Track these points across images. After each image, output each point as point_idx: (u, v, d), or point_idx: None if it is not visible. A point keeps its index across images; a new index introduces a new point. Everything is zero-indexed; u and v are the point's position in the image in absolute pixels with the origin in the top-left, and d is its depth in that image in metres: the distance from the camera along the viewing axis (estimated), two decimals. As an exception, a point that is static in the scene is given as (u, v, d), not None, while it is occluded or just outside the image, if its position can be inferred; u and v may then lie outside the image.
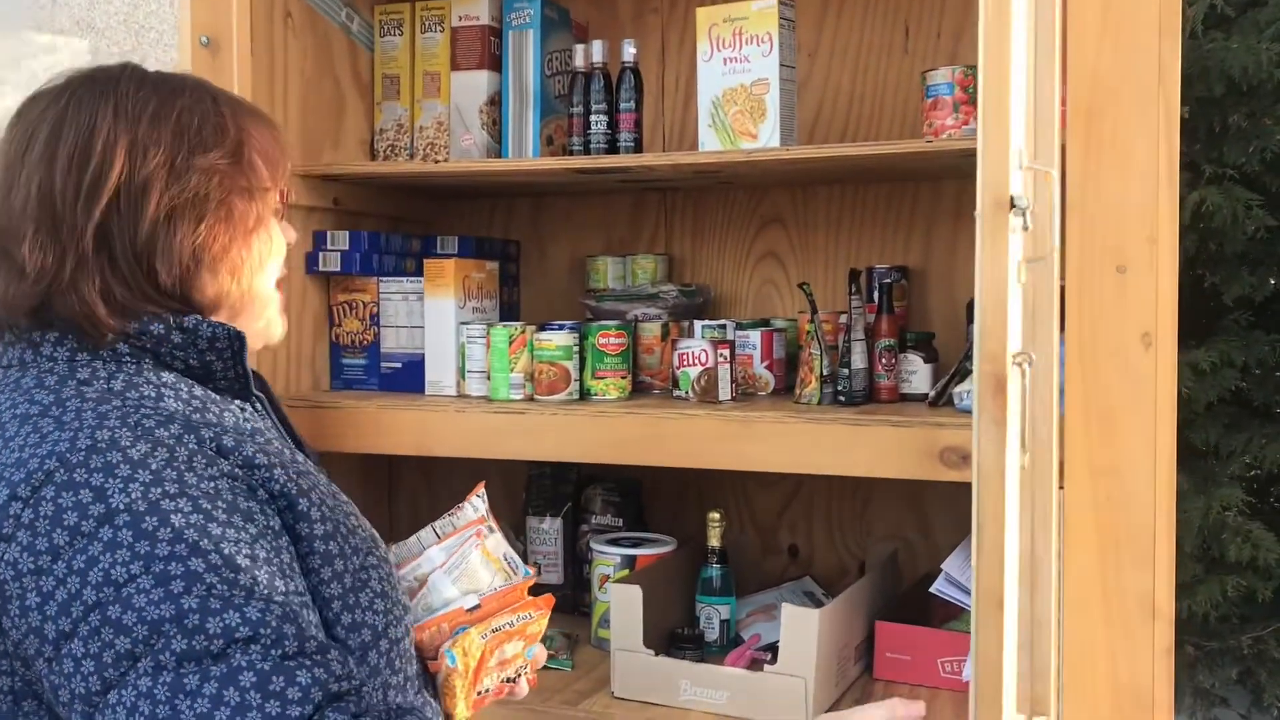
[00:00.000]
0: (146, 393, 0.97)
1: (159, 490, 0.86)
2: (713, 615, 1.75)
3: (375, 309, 1.88)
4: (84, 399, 0.93)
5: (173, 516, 0.85)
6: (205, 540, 0.85)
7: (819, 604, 1.79)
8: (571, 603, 1.96)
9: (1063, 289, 1.34)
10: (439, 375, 1.81)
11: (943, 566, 1.59)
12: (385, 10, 1.97)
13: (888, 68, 1.91)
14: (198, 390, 1.02)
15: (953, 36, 1.87)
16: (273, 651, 0.83)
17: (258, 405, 1.12)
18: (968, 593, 1.48)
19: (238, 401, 1.07)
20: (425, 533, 1.13)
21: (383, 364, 1.88)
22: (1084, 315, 1.30)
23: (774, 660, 1.55)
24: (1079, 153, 1.30)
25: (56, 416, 0.91)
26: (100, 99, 1.01)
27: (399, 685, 0.99)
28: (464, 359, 1.78)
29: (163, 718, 0.79)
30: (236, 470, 0.93)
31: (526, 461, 2.02)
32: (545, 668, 1.69)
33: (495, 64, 1.91)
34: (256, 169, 1.07)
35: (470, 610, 1.10)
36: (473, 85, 1.91)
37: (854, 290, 1.64)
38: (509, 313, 2.04)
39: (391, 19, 1.97)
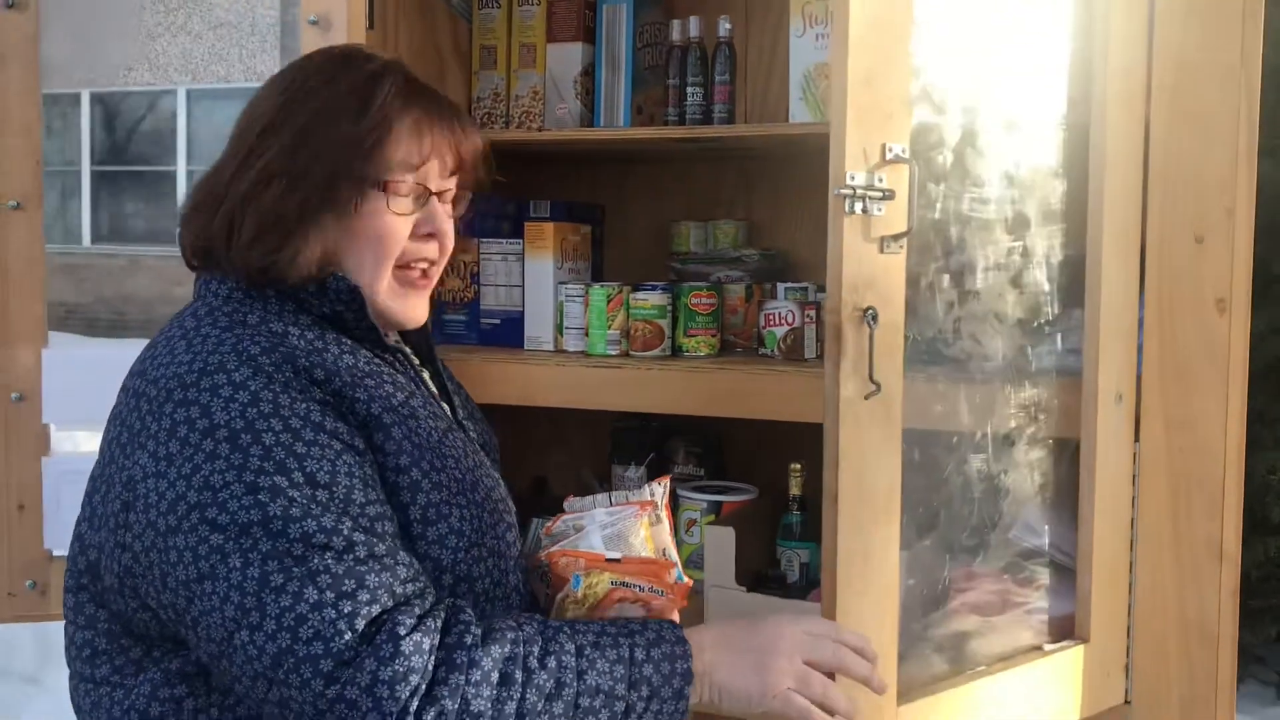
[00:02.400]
0: (275, 328, 1.08)
1: (255, 410, 0.98)
2: (793, 559, 1.87)
3: (476, 268, 1.99)
4: (216, 327, 1.06)
5: (264, 435, 0.97)
6: (290, 458, 0.96)
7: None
8: (654, 547, 2.09)
9: (1143, 254, 1.44)
10: (538, 331, 1.93)
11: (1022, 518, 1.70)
12: (484, -17, 2.07)
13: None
14: (329, 334, 1.12)
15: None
16: (345, 557, 0.94)
17: (399, 357, 1.21)
18: (1044, 538, 1.59)
19: (370, 350, 1.16)
20: (601, 496, 1.22)
21: (482, 320, 1.99)
22: (1163, 280, 1.40)
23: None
24: (1162, 127, 1.40)
25: (189, 342, 1.05)
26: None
27: None
28: (562, 316, 1.90)
29: (250, 607, 0.92)
30: (327, 398, 1.03)
31: (611, 414, 2.13)
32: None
33: (589, 36, 2.00)
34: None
35: (610, 560, 1.15)
36: (568, 56, 2.01)
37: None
38: (595, 274, 2.15)
39: (489, -8, 2.07)
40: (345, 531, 0.95)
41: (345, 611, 0.91)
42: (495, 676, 0.94)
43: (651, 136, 1.82)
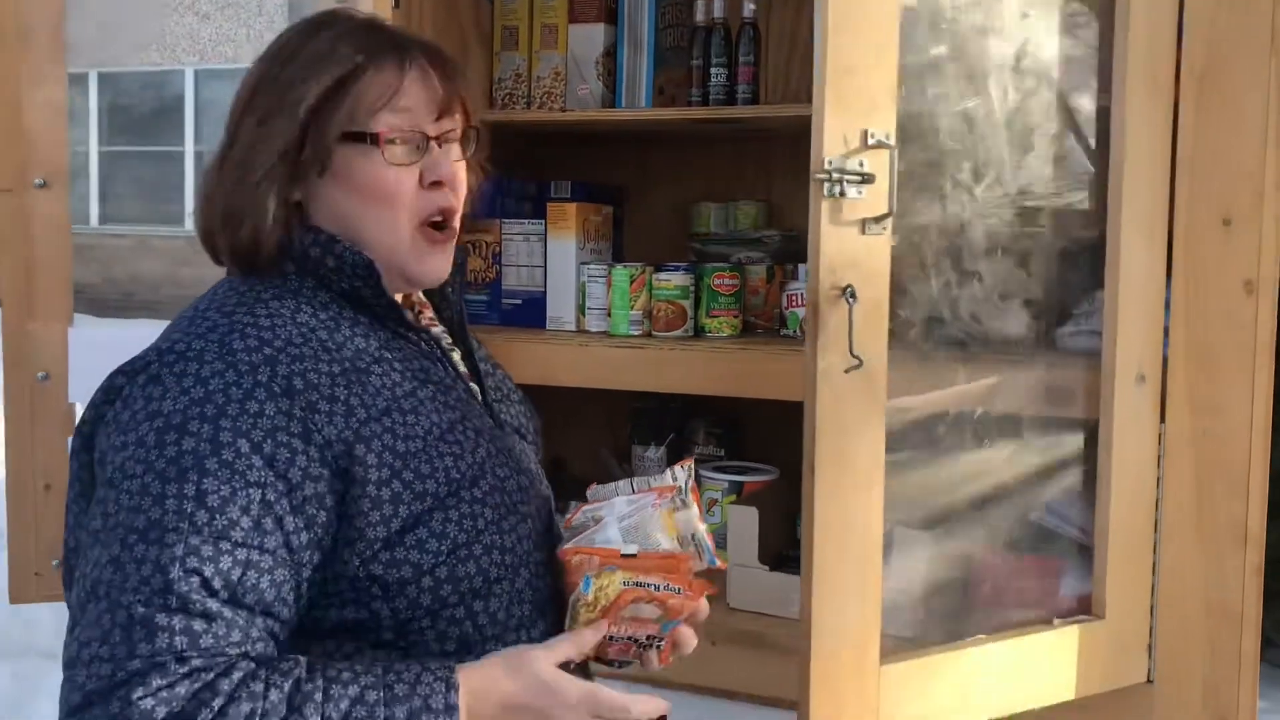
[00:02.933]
0: (283, 308, 1.06)
1: (197, 409, 0.96)
2: (814, 539, 1.88)
3: (498, 248, 2.00)
4: (221, 312, 1.04)
5: (187, 438, 0.95)
6: (194, 469, 0.94)
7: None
8: (673, 527, 2.10)
9: (1170, 237, 1.44)
10: (560, 311, 1.93)
11: (1046, 501, 1.70)
12: (505, -37, 2.07)
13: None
14: (347, 313, 1.10)
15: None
16: (155, 599, 0.91)
17: (424, 336, 1.17)
18: (1070, 522, 1.60)
19: (391, 329, 1.12)
20: (623, 483, 1.16)
21: (504, 300, 2.00)
22: (1190, 262, 1.40)
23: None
24: (1190, 111, 1.39)
25: (190, 319, 1.05)
26: None
27: (459, 619, 1.06)
28: (584, 296, 1.90)
29: (80, 602, 0.93)
30: (295, 411, 0.99)
31: (630, 394, 2.14)
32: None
33: (611, 17, 2.00)
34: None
35: (625, 556, 1.09)
36: (590, 37, 2.01)
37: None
38: (616, 254, 2.15)
39: (511, -28, 2.07)
40: (176, 573, 0.92)
41: (118, 655, 0.90)
42: None
43: (673, 117, 1.82)
